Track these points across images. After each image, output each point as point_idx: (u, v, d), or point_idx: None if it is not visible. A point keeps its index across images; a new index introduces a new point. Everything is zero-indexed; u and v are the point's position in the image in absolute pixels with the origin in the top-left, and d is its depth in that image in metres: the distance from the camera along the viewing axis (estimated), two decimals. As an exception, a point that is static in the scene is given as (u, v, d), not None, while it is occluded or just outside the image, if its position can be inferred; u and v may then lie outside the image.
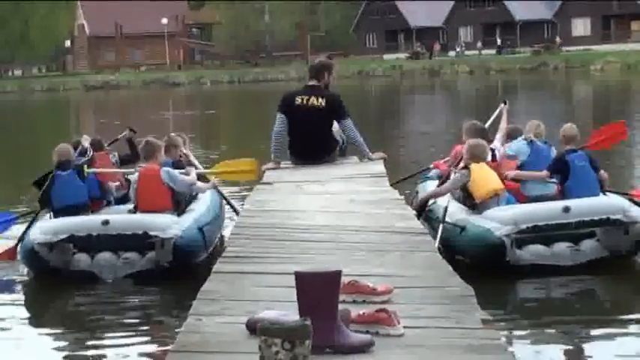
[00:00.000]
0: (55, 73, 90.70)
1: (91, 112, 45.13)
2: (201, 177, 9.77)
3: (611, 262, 8.02)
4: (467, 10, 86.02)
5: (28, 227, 9.07)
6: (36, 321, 7.67)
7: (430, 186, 9.59)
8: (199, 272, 8.63)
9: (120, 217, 8.67)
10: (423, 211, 9.06)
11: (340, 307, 4.14)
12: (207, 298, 4.94)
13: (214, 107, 42.52)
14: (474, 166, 8.28)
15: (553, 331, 6.51)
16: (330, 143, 10.16)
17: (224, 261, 5.92)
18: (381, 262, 5.81)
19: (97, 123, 34.77)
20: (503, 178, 8.49)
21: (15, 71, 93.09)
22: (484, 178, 8.26)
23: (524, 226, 7.78)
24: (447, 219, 8.24)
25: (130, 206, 9.25)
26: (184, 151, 10.23)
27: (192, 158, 10.19)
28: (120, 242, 8.45)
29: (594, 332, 6.49)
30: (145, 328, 7.16)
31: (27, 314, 7.90)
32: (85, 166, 9.25)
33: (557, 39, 76.97)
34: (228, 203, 10.27)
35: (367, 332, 4.20)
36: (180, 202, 9.07)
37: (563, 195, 8.48)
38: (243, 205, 8.85)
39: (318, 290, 4.00)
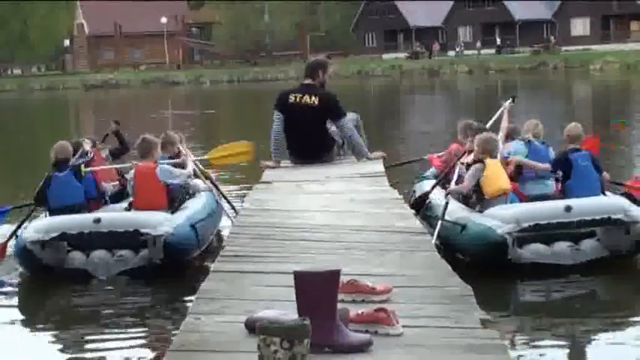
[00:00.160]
0: (54, 72, 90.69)
1: (90, 111, 45.11)
2: (199, 175, 9.82)
3: (611, 262, 8.02)
4: (466, 9, 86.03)
5: (19, 226, 9.11)
6: (30, 319, 7.66)
7: (427, 185, 9.61)
8: (192, 269, 8.68)
9: (111, 215, 8.70)
10: (421, 207, 9.07)
11: (339, 306, 4.13)
12: (206, 297, 4.94)
13: (214, 106, 42.51)
14: (489, 161, 8.29)
15: (552, 331, 6.50)
16: (325, 142, 10.14)
17: (223, 260, 5.91)
18: (381, 262, 5.81)
19: (97, 122, 34.76)
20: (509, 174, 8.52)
21: (14, 70, 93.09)
22: (497, 176, 8.28)
23: (525, 225, 7.78)
24: (446, 217, 8.23)
25: (126, 204, 9.29)
26: (181, 149, 10.26)
27: (189, 159, 10.18)
28: (113, 240, 8.48)
29: (594, 332, 6.49)
30: (140, 326, 7.14)
31: (20, 313, 7.88)
32: (83, 165, 9.26)
33: (552, 38, 76.98)
34: (227, 201, 10.28)
35: (366, 332, 4.20)
36: (174, 200, 9.11)
37: (564, 194, 8.49)
38: (242, 203, 8.85)
39: (317, 289, 3.99)
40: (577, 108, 31.76)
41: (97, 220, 8.39)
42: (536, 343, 6.28)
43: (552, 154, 8.94)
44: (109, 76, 76.25)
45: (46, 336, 7.06)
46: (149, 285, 8.27)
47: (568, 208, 7.87)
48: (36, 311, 7.93)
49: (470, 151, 9.29)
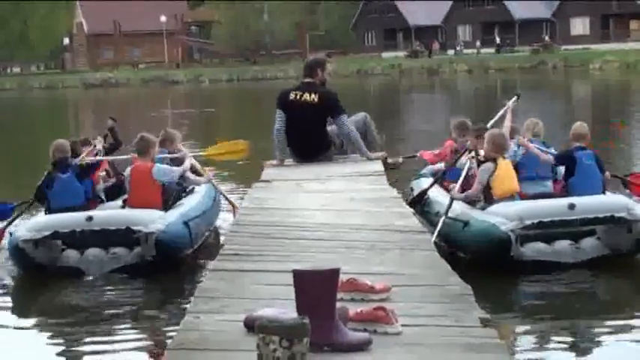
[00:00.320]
0: (53, 71, 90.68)
1: (89, 110, 45.10)
2: (195, 172, 9.87)
3: (612, 260, 8.03)
4: (466, 8, 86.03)
5: (17, 217, 9.23)
6: (24, 317, 7.66)
7: (424, 182, 9.63)
8: (188, 267, 8.70)
9: (103, 213, 8.75)
10: (418, 204, 9.07)
11: (338, 305, 4.13)
12: (205, 296, 4.94)
13: (213, 105, 42.50)
14: (502, 162, 8.27)
15: (552, 330, 6.50)
16: (324, 140, 10.13)
17: (223, 259, 5.91)
18: (380, 261, 5.81)
19: (96, 120, 34.75)
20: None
21: (14, 69, 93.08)
22: (508, 177, 8.28)
23: (529, 222, 7.79)
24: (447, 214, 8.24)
25: (121, 202, 9.36)
26: (179, 146, 10.34)
27: (187, 155, 10.20)
28: (106, 238, 8.53)
29: (594, 332, 6.48)
30: (136, 324, 7.12)
31: (15, 310, 7.87)
32: (81, 161, 9.34)
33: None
34: (225, 197, 10.32)
35: (365, 330, 4.20)
36: (169, 197, 9.16)
37: (566, 191, 8.51)
38: (241, 201, 8.86)
39: (317, 288, 3.99)
40: (577, 107, 31.77)
41: (89, 219, 8.43)
42: (536, 342, 6.28)
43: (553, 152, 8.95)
44: (108, 75, 76.24)
45: (43, 335, 7.04)
46: (145, 283, 8.28)
47: (571, 206, 7.88)
48: (32, 310, 7.92)
49: (470, 150, 9.28)
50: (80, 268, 8.47)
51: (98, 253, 8.54)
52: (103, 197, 9.79)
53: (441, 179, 9.43)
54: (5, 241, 8.91)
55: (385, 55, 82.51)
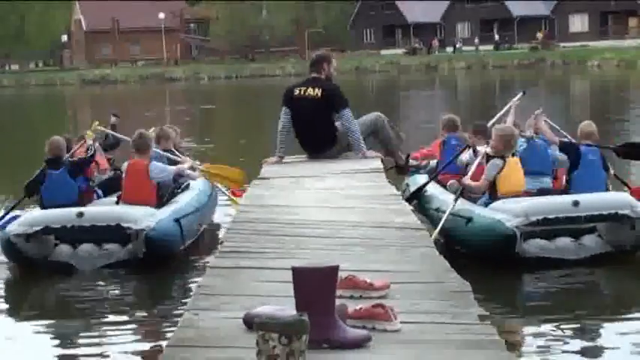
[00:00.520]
0: (52, 68, 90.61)
1: (87, 107, 45.06)
2: (195, 168, 9.95)
3: (614, 257, 8.05)
4: (464, 6, 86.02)
5: (7, 213, 9.24)
6: (19, 314, 7.67)
7: (419, 179, 9.66)
8: (183, 264, 8.72)
9: (94, 210, 8.81)
10: (415, 199, 9.08)
11: (337, 302, 4.13)
12: (204, 293, 4.93)
13: (212, 102, 42.47)
14: (511, 160, 8.26)
15: (551, 326, 6.50)
16: (331, 134, 10.07)
17: (221, 256, 5.91)
18: (379, 258, 5.81)
19: (94, 117, 34.72)
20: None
21: (12, 66, 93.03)
22: (515, 176, 8.27)
23: (534, 219, 7.80)
24: (449, 209, 8.24)
25: (115, 198, 9.41)
26: (175, 143, 10.38)
27: (187, 164, 10.17)
28: (98, 234, 8.58)
29: (593, 328, 6.48)
30: (131, 320, 7.13)
31: (8, 306, 7.86)
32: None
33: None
34: (222, 192, 10.36)
35: (364, 327, 4.20)
36: (164, 194, 9.19)
37: (568, 184, 8.54)
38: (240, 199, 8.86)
39: (316, 285, 3.99)
40: (575, 104, 31.78)
41: (80, 214, 8.50)
42: (534, 338, 6.28)
43: (554, 151, 8.98)
44: (106, 72, 76.19)
45: (38, 330, 7.03)
46: (142, 279, 8.31)
47: (576, 203, 7.89)
48: (26, 304, 7.95)
49: (469, 146, 9.30)
50: (71, 263, 8.52)
51: (90, 249, 8.61)
52: (100, 193, 9.79)
53: (436, 175, 9.47)
54: None
55: (384, 52, 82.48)
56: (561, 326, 6.47)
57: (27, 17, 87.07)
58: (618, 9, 79.24)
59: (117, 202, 9.20)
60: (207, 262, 7.34)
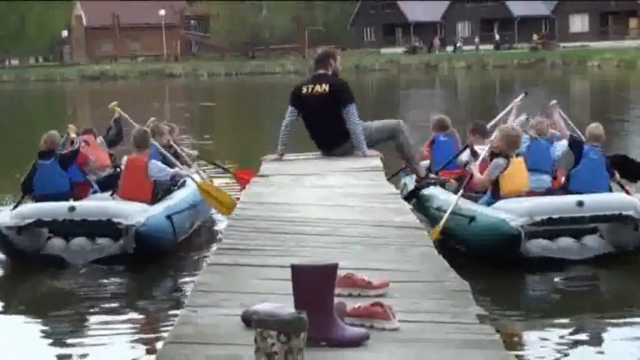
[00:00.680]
0: (52, 64, 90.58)
1: (87, 103, 45.05)
2: (185, 163, 9.97)
3: (615, 257, 8.05)
4: (465, 5, 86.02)
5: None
6: (10, 307, 7.66)
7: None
8: (181, 260, 8.71)
9: (86, 204, 8.85)
10: (414, 197, 9.07)
11: (335, 300, 4.12)
12: (202, 290, 4.92)
13: (212, 99, 42.46)
14: (515, 160, 8.25)
15: (550, 326, 6.50)
16: (342, 129, 9.96)
17: (220, 253, 5.90)
18: (377, 256, 5.80)
19: (94, 113, 34.71)
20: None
21: (12, 61, 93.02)
22: (519, 176, 8.27)
23: (538, 218, 7.79)
24: (450, 208, 8.23)
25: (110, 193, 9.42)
26: (171, 140, 10.38)
27: (187, 171, 10.15)
28: (89, 228, 8.62)
29: (592, 328, 6.49)
30: (127, 317, 7.13)
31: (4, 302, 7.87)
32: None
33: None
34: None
35: (362, 326, 4.19)
36: (159, 190, 9.22)
37: (567, 181, 8.55)
38: (238, 197, 8.84)
39: (314, 283, 3.98)
40: (575, 104, 31.76)
41: (72, 209, 8.54)
42: (533, 338, 6.28)
43: (556, 150, 9.00)
44: (106, 68, 76.18)
45: (33, 326, 7.03)
46: (139, 276, 8.31)
47: (580, 203, 7.89)
48: (16, 301, 7.94)
49: (467, 146, 9.30)
50: (63, 257, 8.54)
51: (83, 243, 8.66)
52: (97, 188, 9.78)
53: (436, 173, 9.48)
54: None
55: (384, 51, 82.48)
56: (561, 326, 6.47)
57: (27, 17, 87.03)
58: (618, 9, 79.24)
59: (112, 195, 9.20)
60: (205, 259, 7.34)
